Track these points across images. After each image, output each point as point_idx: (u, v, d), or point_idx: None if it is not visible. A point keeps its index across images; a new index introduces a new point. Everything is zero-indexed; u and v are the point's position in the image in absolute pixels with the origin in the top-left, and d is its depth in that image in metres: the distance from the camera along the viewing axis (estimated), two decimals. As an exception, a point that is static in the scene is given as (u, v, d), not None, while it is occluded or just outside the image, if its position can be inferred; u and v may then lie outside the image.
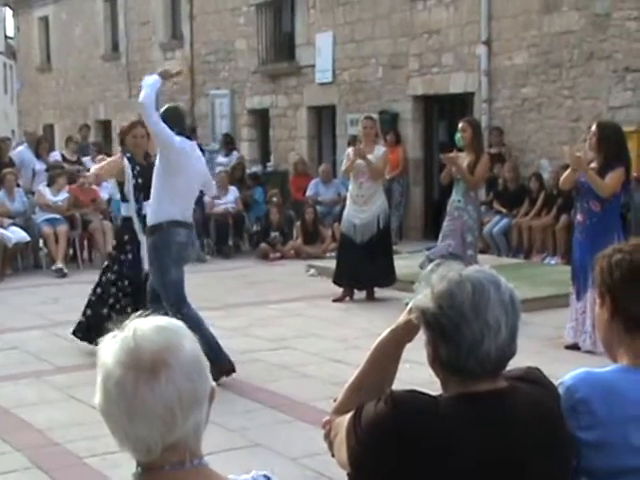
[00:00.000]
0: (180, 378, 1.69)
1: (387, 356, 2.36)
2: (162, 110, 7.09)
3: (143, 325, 1.74)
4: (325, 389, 6.68)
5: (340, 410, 2.31)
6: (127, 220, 7.76)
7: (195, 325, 6.77)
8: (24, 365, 7.53)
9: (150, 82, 6.96)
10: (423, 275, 2.18)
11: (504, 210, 13.04)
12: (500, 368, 2.11)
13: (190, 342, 1.75)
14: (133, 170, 7.63)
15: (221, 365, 6.56)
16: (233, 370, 6.84)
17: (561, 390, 2.22)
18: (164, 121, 6.85)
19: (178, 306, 6.71)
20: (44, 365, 7.53)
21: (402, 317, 2.34)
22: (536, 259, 12.43)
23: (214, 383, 1.78)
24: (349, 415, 2.19)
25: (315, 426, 5.53)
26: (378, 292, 10.26)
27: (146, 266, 7.32)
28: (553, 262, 12.08)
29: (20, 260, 12.92)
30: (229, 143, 17.13)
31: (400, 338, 2.34)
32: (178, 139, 6.87)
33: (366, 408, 2.13)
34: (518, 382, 2.17)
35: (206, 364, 1.77)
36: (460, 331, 2.05)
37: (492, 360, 2.06)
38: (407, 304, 7.59)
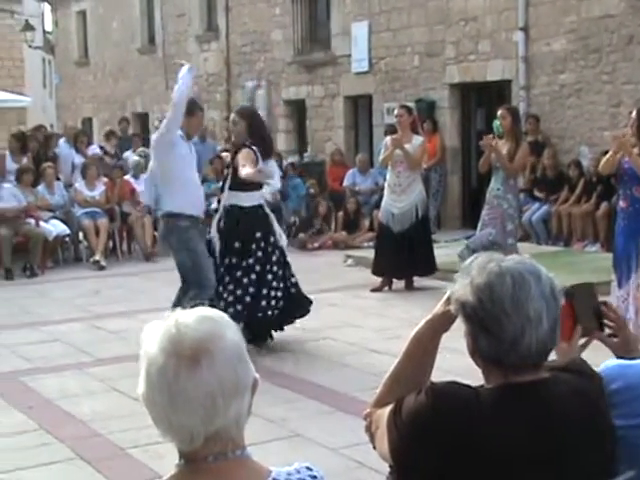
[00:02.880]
0: (221, 366, 1.70)
1: (424, 346, 2.36)
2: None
3: (186, 314, 1.77)
4: (365, 379, 6.67)
5: (380, 402, 2.31)
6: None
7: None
8: (66, 357, 7.62)
9: (185, 77, 7.14)
10: (463, 266, 2.17)
11: (543, 196, 12.92)
12: (542, 360, 2.10)
13: (232, 332, 1.76)
14: None
15: None
16: None
17: None
18: None
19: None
20: (86, 357, 7.61)
21: (439, 307, 2.34)
22: (576, 247, 12.31)
23: (257, 374, 1.79)
24: (389, 407, 2.19)
25: (356, 417, 5.52)
26: (417, 281, 10.23)
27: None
28: (594, 249, 11.97)
29: (61, 253, 13.06)
30: None
31: (437, 328, 2.33)
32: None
33: (406, 400, 2.13)
34: (561, 372, 2.15)
35: (247, 355, 1.78)
36: (501, 325, 2.03)
37: (533, 352, 2.05)
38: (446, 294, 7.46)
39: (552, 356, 2.15)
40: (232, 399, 1.71)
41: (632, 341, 2.43)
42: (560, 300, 2.10)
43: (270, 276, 7.50)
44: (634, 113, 7.53)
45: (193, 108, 7.71)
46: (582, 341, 2.39)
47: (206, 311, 1.78)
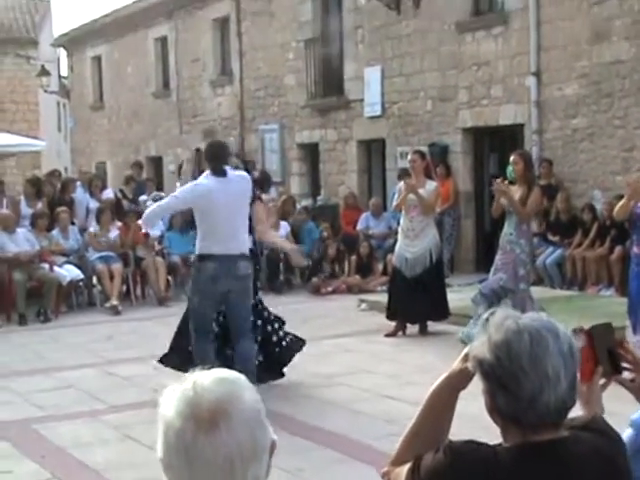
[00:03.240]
0: (240, 429, 1.68)
1: (442, 404, 2.34)
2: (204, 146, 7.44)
3: (203, 377, 1.75)
4: (379, 427, 6.65)
5: (398, 460, 2.29)
6: None
7: (198, 360, 7.05)
8: (80, 404, 7.60)
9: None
10: (480, 322, 2.17)
11: (557, 240, 12.91)
12: (561, 418, 2.08)
13: (250, 394, 1.75)
14: None
15: None
16: None
17: (632, 430, 2.17)
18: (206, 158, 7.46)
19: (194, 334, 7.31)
20: (99, 404, 7.59)
21: (456, 363, 2.32)
22: (591, 291, 12.27)
23: (275, 436, 1.77)
24: (408, 465, 2.17)
25: (371, 465, 5.51)
26: (431, 326, 10.20)
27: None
28: (608, 294, 11.91)
29: (74, 297, 13.08)
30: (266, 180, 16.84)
31: (454, 386, 2.32)
32: (194, 186, 7.32)
33: (425, 458, 2.12)
34: (581, 431, 2.13)
35: (265, 417, 1.77)
36: (519, 383, 2.02)
37: (552, 411, 2.03)
38: (461, 341, 7.51)
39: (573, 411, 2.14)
40: (250, 462, 1.69)
41: None
42: (578, 359, 2.08)
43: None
44: None
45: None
46: (601, 382, 2.37)
47: (223, 373, 1.78)
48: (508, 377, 2.03)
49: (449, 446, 2.10)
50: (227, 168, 7.33)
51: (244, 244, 7.27)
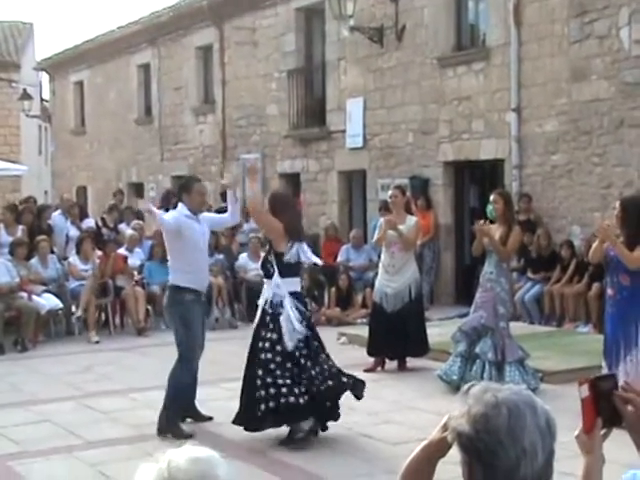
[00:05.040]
0: None
1: (420, 472, 2.36)
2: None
3: (177, 456, 1.76)
4: (356, 466, 6.64)
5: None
6: None
7: (174, 385, 7.50)
8: (55, 439, 7.52)
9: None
10: (460, 392, 2.18)
11: (537, 277, 12.98)
12: (537, 493, 2.09)
13: (224, 471, 1.77)
14: None
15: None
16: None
17: None
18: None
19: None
20: (75, 440, 7.51)
21: (435, 433, 2.34)
22: (568, 327, 12.33)
23: None
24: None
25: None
26: (410, 362, 10.21)
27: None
28: (585, 330, 11.98)
29: (53, 326, 13.01)
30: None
31: (433, 455, 2.34)
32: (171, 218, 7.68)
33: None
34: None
35: None
36: (496, 456, 2.04)
37: (529, 485, 2.05)
38: (439, 378, 7.53)
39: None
40: None
41: None
42: (555, 434, 2.10)
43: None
44: (617, 204, 7.66)
45: (188, 184, 7.99)
46: (602, 432, 2.38)
47: (198, 451, 1.79)
48: (486, 450, 2.05)
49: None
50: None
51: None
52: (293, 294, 7.27)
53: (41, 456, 7.06)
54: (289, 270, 7.28)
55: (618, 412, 2.36)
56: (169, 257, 7.99)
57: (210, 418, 7.90)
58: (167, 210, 8.04)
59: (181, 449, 1.79)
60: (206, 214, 8.42)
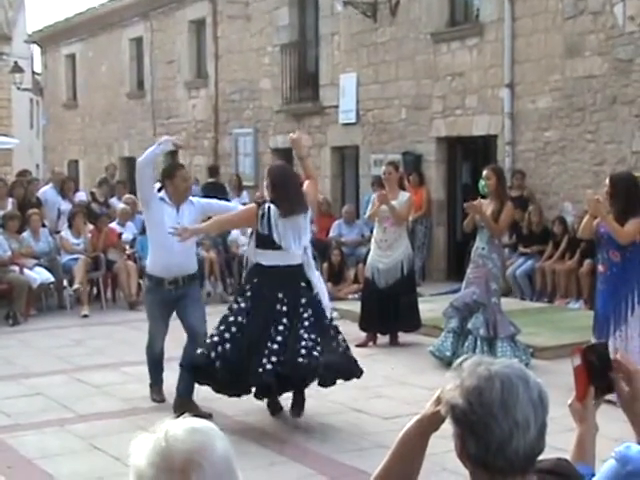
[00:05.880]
0: (211, 479, 1.70)
1: (413, 447, 2.36)
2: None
3: (175, 426, 1.76)
4: (347, 441, 6.67)
5: (368, 500, 2.31)
6: None
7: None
8: (48, 412, 7.53)
9: (152, 150, 7.40)
10: (454, 365, 2.19)
11: (529, 250, 13.00)
12: (529, 465, 2.10)
13: (222, 444, 1.76)
14: None
15: None
16: None
17: (616, 463, 2.15)
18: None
19: None
20: (67, 413, 7.53)
21: (429, 406, 2.34)
22: (559, 303, 12.37)
23: None
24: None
25: (338, 483, 5.53)
26: (401, 337, 10.24)
27: None
28: (576, 306, 12.02)
29: (44, 300, 13.00)
30: (238, 184, 16.70)
31: (426, 429, 2.34)
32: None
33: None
34: (547, 475, 2.16)
35: (236, 466, 1.78)
36: (489, 429, 2.04)
37: (521, 458, 2.06)
38: (431, 353, 7.52)
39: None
40: None
41: None
42: (548, 407, 2.11)
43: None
44: (607, 180, 7.68)
45: (171, 170, 7.60)
46: (593, 402, 2.39)
47: (195, 422, 1.78)
48: (479, 423, 2.06)
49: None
50: None
51: None
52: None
53: (33, 429, 7.07)
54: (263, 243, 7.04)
55: (610, 380, 2.37)
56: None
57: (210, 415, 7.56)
58: (160, 190, 7.77)
59: (179, 420, 1.78)
60: (209, 201, 8.10)
